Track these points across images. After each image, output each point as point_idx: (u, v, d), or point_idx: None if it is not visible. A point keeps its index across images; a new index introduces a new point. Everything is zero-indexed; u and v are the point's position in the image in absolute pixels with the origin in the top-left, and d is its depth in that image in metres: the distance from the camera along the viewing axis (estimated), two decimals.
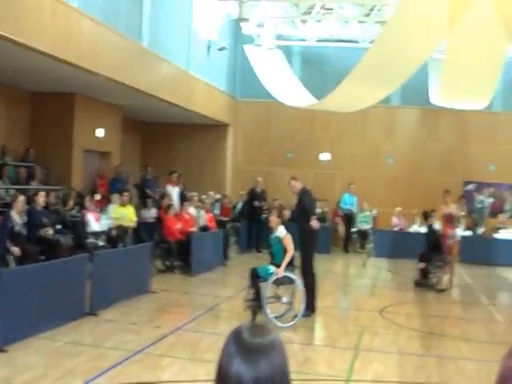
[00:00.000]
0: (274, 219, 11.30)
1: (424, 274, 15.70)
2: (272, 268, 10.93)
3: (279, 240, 11.05)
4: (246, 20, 23.21)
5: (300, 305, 10.93)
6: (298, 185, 12.62)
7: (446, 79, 19.00)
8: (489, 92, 19.85)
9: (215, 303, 12.42)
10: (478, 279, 18.31)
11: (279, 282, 10.93)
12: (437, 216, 16.32)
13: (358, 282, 17.87)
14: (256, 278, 10.92)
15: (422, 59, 16.79)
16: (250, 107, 26.50)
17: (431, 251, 15.70)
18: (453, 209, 16.45)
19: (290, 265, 11.06)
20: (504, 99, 25.60)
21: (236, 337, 2.23)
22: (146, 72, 17.61)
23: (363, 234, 23.81)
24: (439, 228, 16.08)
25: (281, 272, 10.70)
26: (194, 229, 16.92)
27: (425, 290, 15.42)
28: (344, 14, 24.43)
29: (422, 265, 15.58)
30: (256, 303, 10.74)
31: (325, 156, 26.32)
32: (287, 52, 25.67)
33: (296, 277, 10.87)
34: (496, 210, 24.86)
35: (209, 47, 23.18)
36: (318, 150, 26.35)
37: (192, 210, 17.80)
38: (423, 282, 15.64)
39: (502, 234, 22.89)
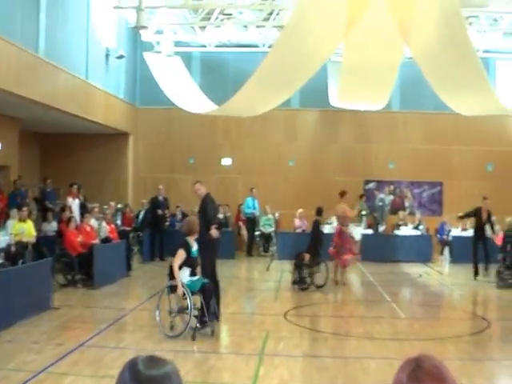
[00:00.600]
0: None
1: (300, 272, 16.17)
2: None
3: None
4: (144, 27, 22.93)
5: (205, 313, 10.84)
6: (202, 189, 12.57)
7: (344, 81, 19.31)
8: (386, 92, 20.27)
9: (119, 316, 12.19)
10: (381, 276, 18.64)
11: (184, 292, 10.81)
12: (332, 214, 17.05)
13: (262, 285, 17.94)
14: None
15: (319, 62, 16.99)
16: (151, 115, 26.29)
17: (310, 248, 16.30)
18: (345, 209, 17.18)
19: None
20: (401, 99, 26.26)
21: (131, 368, 2.24)
22: (43, 82, 17.19)
23: (266, 237, 24.07)
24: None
25: (178, 284, 10.51)
26: (95, 241, 16.60)
27: (306, 289, 15.81)
28: (243, 19, 24.50)
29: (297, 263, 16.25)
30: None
31: (226, 161, 26.35)
32: (187, 58, 25.59)
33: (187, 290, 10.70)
34: (397, 207, 25.41)
35: (107, 55, 22.83)
36: (219, 155, 26.40)
37: (93, 222, 17.48)
38: (301, 280, 16.08)
39: (402, 231, 23.41)
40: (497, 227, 20.33)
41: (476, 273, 18.41)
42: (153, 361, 2.29)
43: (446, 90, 17.32)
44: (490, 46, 25.69)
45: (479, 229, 18.96)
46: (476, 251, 18.64)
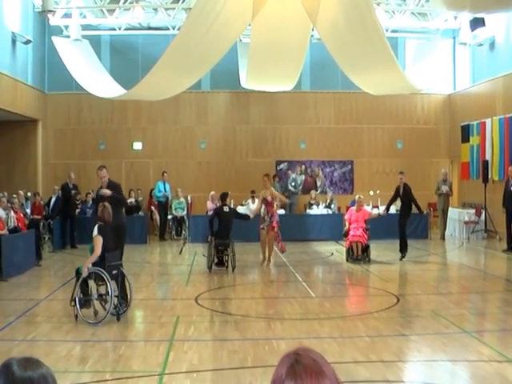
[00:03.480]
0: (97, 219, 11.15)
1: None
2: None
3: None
4: (51, 11, 22.42)
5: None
6: (107, 175, 12.51)
7: (253, 62, 19.34)
8: (295, 73, 20.40)
9: (28, 307, 11.97)
10: (293, 256, 18.79)
11: (98, 279, 10.78)
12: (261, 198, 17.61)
13: (174, 270, 17.90)
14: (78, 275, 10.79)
15: (228, 43, 16.98)
16: (61, 100, 25.89)
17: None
18: (270, 193, 17.46)
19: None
20: (312, 79, 26.54)
21: (5, 369, 2.21)
22: None
23: (179, 221, 24.02)
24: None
25: (85, 270, 10.54)
26: (3, 231, 16.21)
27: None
28: (152, 2, 24.28)
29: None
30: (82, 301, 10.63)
31: (137, 145, 26.16)
32: (96, 42, 25.20)
33: (106, 275, 10.65)
34: (308, 187, 25.71)
35: (14, 41, 22.29)
36: (130, 139, 26.23)
37: (1, 212, 17.08)
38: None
39: (314, 210, 23.71)
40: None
41: (402, 254, 18.31)
42: (28, 362, 2.27)
43: (355, 70, 17.57)
44: (398, 26, 26.16)
45: (402, 206, 18.89)
46: (402, 231, 18.53)
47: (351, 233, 17.83)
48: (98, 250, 10.68)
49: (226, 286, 14.82)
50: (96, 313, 10.76)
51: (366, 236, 17.82)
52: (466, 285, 15.18)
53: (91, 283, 10.86)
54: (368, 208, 19.52)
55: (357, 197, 21.55)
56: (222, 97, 26.99)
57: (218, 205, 23.37)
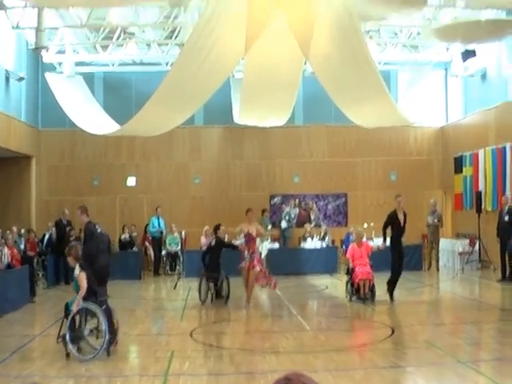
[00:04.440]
0: (70, 260, 11.07)
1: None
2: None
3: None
4: (44, 48, 22.56)
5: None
6: (84, 217, 12.33)
7: (246, 97, 19.44)
8: (288, 108, 20.50)
9: (22, 344, 11.90)
10: (287, 290, 18.71)
11: (84, 315, 10.73)
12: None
13: (168, 305, 17.82)
14: (68, 311, 10.73)
15: (221, 79, 17.07)
16: (54, 137, 25.97)
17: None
18: (255, 228, 16.25)
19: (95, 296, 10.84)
20: (304, 113, 26.71)
21: None
22: None
23: (173, 256, 24.01)
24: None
25: (75, 307, 10.49)
26: None
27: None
28: (145, 38, 24.45)
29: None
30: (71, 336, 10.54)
31: (131, 181, 26.16)
32: (90, 78, 25.37)
33: (98, 308, 10.61)
34: (302, 220, 25.75)
35: (7, 78, 22.41)
36: (124, 175, 26.17)
37: None
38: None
39: (308, 244, 23.70)
40: None
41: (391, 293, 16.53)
42: None
43: (348, 104, 17.67)
44: (390, 58, 26.37)
45: (398, 234, 16.64)
46: (395, 262, 16.62)
47: (358, 270, 16.12)
48: (84, 285, 10.63)
49: (221, 320, 14.73)
50: (86, 348, 10.65)
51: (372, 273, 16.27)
52: (460, 315, 15.15)
53: (78, 318, 10.75)
54: (369, 241, 18.44)
55: (351, 229, 21.60)
56: (216, 132, 27.11)
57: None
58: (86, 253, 11.48)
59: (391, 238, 16.50)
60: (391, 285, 16.44)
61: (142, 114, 17.28)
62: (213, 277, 16.61)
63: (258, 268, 15.72)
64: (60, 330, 10.65)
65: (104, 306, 10.89)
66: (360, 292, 16.14)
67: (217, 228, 17.40)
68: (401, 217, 16.56)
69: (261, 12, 13.57)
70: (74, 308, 10.58)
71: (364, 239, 17.26)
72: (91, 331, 10.78)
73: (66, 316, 10.72)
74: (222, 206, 25.66)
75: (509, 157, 22.08)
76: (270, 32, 14.38)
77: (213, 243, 17.03)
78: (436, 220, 24.01)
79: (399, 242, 16.54)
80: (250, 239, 16.05)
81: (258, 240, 17.25)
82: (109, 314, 10.92)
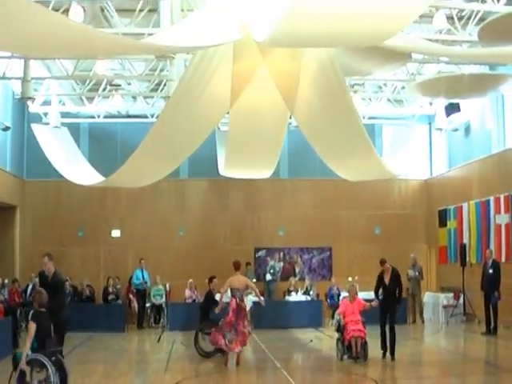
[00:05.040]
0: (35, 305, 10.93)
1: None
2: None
3: None
4: (30, 99, 22.62)
5: None
6: (51, 266, 12.15)
7: (231, 150, 19.47)
8: (273, 161, 20.53)
9: None
10: (272, 343, 18.62)
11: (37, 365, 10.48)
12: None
13: (152, 357, 17.61)
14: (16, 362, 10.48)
15: (206, 131, 17.06)
16: (39, 187, 25.92)
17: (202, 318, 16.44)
18: (240, 281, 15.47)
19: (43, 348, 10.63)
20: (289, 166, 26.84)
21: None
22: None
23: (157, 309, 23.78)
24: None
25: (23, 359, 10.21)
26: None
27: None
28: (131, 90, 24.59)
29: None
30: None
31: (116, 232, 26.07)
32: (75, 129, 25.40)
33: (47, 361, 10.40)
34: (287, 274, 25.73)
35: None
36: (109, 227, 26.12)
37: None
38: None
39: (293, 297, 23.57)
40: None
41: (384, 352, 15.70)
42: None
43: (332, 157, 17.70)
44: (375, 112, 26.68)
45: (384, 297, 15.95)
46: (383, 326, 15.82)
47: (350, 327, 15.10)
48: (30, 336, 10.46)
49: (205, 373, 14.57)
50: None
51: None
52: (445, 369, 15.07)
53: (27, 370, 10.39)
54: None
55: (333, 281, 21.52)
56: (201, 184, 27.16)
57: (195, 293, 23.31)
58: (56, 303, 11.32)
59: (380, 303, 15.82)
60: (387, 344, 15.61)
61: (127, 166, 17.22)
62: (198, 328, 16.45)
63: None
64: (9, 383, 10.42)
65: (54, 358, 10.66)
66: (352, 350, 15.02)
67: (209, 280, 17.31)
68: (387, 278, 15.82)
69: (246, 66, 13.67)
70: (23, 360, 10.32)
71: (344, 293, 16.81)
72: (40, 383, 10.53)
73: (15, 368, 10.46)
74: (207, 258, 25.51)
75: (492, 210, 22.23)
76: (255, 86, 14.47)
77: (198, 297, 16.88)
78: (417, 273, 24.03)
79: (388, 307, 15.65)
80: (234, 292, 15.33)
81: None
82: (58, 366, 10.67)
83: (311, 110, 15.18)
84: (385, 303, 15.73)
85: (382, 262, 16.04)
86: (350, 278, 24.10)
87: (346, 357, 15.22)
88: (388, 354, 15.41)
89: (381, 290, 15.99)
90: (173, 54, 16.98)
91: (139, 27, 17.18)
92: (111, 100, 24.84)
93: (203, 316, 16.70)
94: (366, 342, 15.10)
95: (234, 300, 15.04)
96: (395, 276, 15.86)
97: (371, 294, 17.86)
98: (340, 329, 15.42)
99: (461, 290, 23.15)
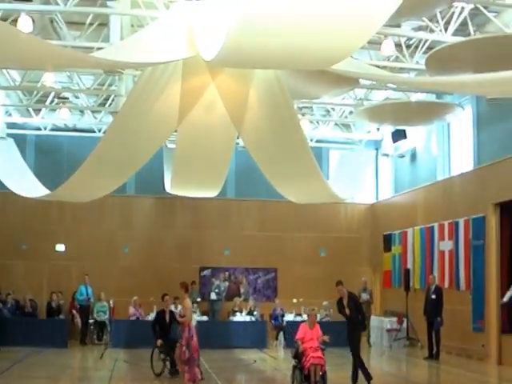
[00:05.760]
0: None
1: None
2: None
3: None
4: None
5: None
6: None
7: (178, 168, 19.39)
8: (220, 180, 20.49)
9: None
10: (216, 363, 18.48)
11: None
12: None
13: (95, 374, 17.35)
14: None
15: (153, 149, 16.97)
16: None
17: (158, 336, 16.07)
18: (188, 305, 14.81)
19: None
20: (236, 187, 26.86)
21: None
22: None
23: (100, 325, 23.47)
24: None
25: None
26: None
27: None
28: (79, 104, 24.37)
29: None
30: None
31: (60, 247, 25.72)
32: (21, 140, 25.00)
33: None
34: (232, 294, 25.67)
35: None
36: (54, 241, 25.75)
37: None
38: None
39: (237, 317, 23.47)
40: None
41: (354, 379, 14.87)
42: None
43: (279, 179, 17.74)
44: (322, 136, 26.89)
45: (349, 321, 15.16)
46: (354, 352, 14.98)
47: (309, 354, 13.81)
48: None
49: None
50: None
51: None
52: None
53: None
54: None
55: (276, 302, 21.34)
56: (147, 201, 27.00)
57: (139, 310, 23.08)
58: None
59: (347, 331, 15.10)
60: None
61: (72, 180, 17.03)
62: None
63: (183, 349, 14.35)
64: None
65: None
66: (310, 379, 13.70)
67: (162, 298, 17.05)
68: (346, 302, 14.89)
69: (195, 85, 13.66)
70: None
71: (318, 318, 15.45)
72: None
73: None
74: (152, 276, 25.26)
75: (437, 236, 22.49)
76: (204, 105, 14.48)
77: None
78: (369, 297, 24.18)
79: (353, 335, 14.98)
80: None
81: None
82: None
83: (258, 131, 15.22)
84: (349, 330, 15.05)
85: (338, 283, 15.05)
86: (294, 300, 24.16)
87: None
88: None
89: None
90: (121, 69, 16.90)
91: (89, 41, 17.11)
92: (58, 113, 24.57)
93: (160, 334, 16.39)
94: (325, 371, 13.97)
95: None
96: (355, 302, 15.19)
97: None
98: (298, 355, 14.11)
99: (404, 315, 23.37)
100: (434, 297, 20.25)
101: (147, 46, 10.58)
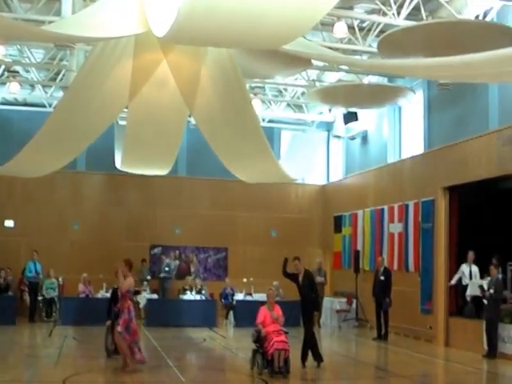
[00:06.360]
0: None
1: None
2: None
3: None
4: None
5: None
6: None
7: (129, 145, 19.26)
8: (171, 158, 20.40)
9: None
10: (165, 341, 18.55)
11: None
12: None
13: (43, 352, 17.20)
14: None
15: (103, 125, 16.82)
16: None
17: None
18: (129, 283, 14.16)
19: None
20: (188, 165, 26.77)
21: None
22: None
23: (49, 302, 23.30)
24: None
25: None
26: None
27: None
28: (29, 78, 24.03)
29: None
30: None
31: (9, 223, 25.39)
32: None
33: None
34: (183, 272, 25.65)
35: None
36: (2, 217, 25.41)
37: None
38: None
39: (187, 296, 23.48)
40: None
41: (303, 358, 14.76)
42: None
43: (230, 158, 17.72)
44: (274, 116, 26.93)
45: (302, 300, 15.01)
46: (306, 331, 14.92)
47: (273, 338, 13.36)
48: None
49: (96, 369, 14.33)
50: None
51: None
52: (336, 371, 15.38)
53: None
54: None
55: (226, 281, 21.23)
56: (97, 178, 26.76)
57: (89, 287, 22.96)
58: None
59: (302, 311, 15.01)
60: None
61: (22, 155, 16.82)
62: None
63: (118, 329, 13.62)
64: None
65: None
66: (274, 364, 13.26)
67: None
68: (301, 278, 14.78)
69: (147, 61, 13.56)
70: None
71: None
72: None
73: None
74: (101, 253, 25.04)
75: (386, 219, 22.74)
76: (155, 82, 14.38)
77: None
78: (323, 278, 24.32)
79: (306, 314, 14.83)
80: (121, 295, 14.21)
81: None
82: None
83: (210, 110, 15.19)
84: (302, 308, 14.98)
85: (295, 258, 14.88)
86: (244, 279, 24.29)
87: (266, 371, 13.48)
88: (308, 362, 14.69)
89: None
90: (73, 43, 16.70)
91: (40, 14, 16.85)
92: (8, 86, 24.17)
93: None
94: (288, 356, 13.52)
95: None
96: (310, 280, 14.97)
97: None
98: (259, 340, 13.63)
99: (354, 296, 23.62)
100: (382, 278, 20.48)
101: (99, 21, 10.45)
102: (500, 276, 17.11)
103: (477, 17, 16.53)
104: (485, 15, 16.74)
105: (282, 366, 13.26)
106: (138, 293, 14.71)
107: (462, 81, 15.28)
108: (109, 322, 15.38)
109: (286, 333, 13.66)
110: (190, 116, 17.53)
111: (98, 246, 25.57)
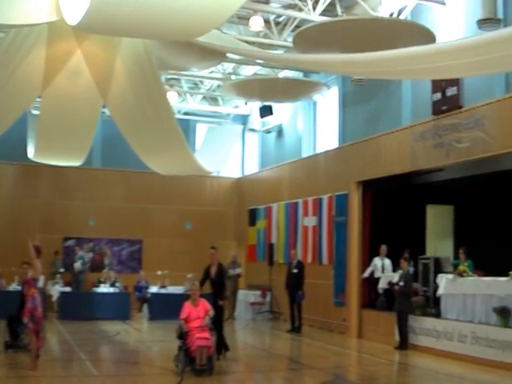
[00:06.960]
0: None
1: (14, 334, 15.15)
2: None
3: None
4: None
5: None
6: None
7: (42, 135, 18.93)
8: (84, 149, 20.14)
9: None
10: (78, 335, 18.34)
11: None
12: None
13: None
14: None
15: (15, 115, 16.50)
16: None
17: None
18: (37, 270, 13.62)
19: None
20: (102, 156, 26.48)
21: None
22: None
23: None
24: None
25: None
26: None
27: (17, 352, 14.83)
28: None
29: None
30: None
31: None
32: None
33: None
34: (97, 265, 25.40)
35: None
36: None
37: None
38: (14, 344, 15.08)
39: (101, 288, 23.24)
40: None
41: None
42: None
43: (144, 150, 17.64)
44: (190, 108, 26.90)
45: (213, 291, 15.07)
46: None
47: (195, 335, 12.91)
48: None
49: (6, 364, 13.91)
50: None
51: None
52: (250, 364, 15.50)
53: None
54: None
55: (141, 273, 21.05)
56: (9, 168, 26.12)
57: (1, 280, 22.46)
58: None
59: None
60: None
61: None
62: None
63: (25, 320, 13.15)
64: None
65: None
66: (196, 362, 12.87)
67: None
68: (213, 270, 14.90)
69: (61, 50, 13.37)
70: None
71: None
72: None
73: None
74: (13, 246, 24.44)
75: (301, 212, 22.99)
76: (69, 71, 14.20)
77: None
78: (239, 271, 24.35)
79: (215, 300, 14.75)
80: (26, 282, 13.76)
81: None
82: None
83: (124, 101, 15.10)
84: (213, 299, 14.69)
85: (213, 247, 15.12)
86: (159, 272, 24.21)
87: (188, 368, 12.95)
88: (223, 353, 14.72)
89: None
90: None
91: None
92: None
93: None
94: (213, 354, 13.17)
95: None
96: (221, 272, 15.00)
97: (181, 288, 17.83)
98: (182, 336, 13.16)
99: (268, 288, 23.83)
100: (295, 271, 20.66)
101: (10, 7, 10.25)
102: (411, 269, 17.53)
103: (391, 14, 16.88)
104: (399, 13, 17.10)
105: (205, 364, 12.85)
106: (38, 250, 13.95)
107: (375, 77, 15.56)
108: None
109: (211, 329, 13.36)
110: (104, 107, 17.35)
111: (10, 238, 24.88)
